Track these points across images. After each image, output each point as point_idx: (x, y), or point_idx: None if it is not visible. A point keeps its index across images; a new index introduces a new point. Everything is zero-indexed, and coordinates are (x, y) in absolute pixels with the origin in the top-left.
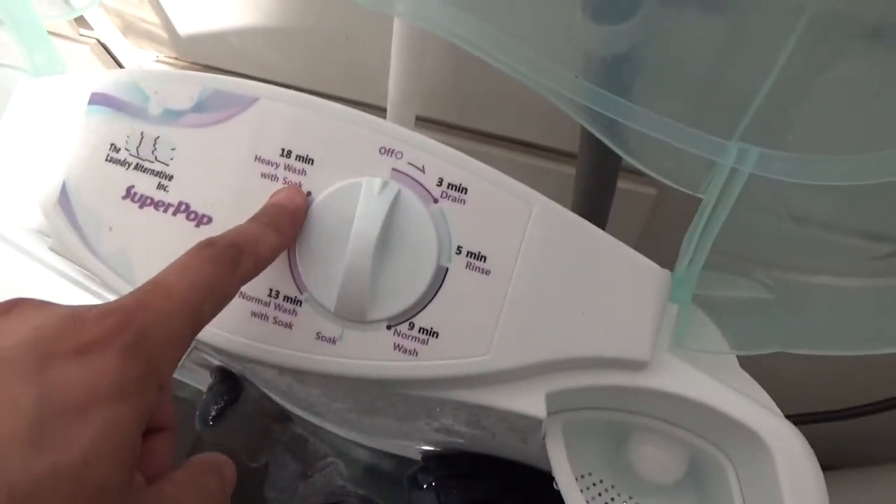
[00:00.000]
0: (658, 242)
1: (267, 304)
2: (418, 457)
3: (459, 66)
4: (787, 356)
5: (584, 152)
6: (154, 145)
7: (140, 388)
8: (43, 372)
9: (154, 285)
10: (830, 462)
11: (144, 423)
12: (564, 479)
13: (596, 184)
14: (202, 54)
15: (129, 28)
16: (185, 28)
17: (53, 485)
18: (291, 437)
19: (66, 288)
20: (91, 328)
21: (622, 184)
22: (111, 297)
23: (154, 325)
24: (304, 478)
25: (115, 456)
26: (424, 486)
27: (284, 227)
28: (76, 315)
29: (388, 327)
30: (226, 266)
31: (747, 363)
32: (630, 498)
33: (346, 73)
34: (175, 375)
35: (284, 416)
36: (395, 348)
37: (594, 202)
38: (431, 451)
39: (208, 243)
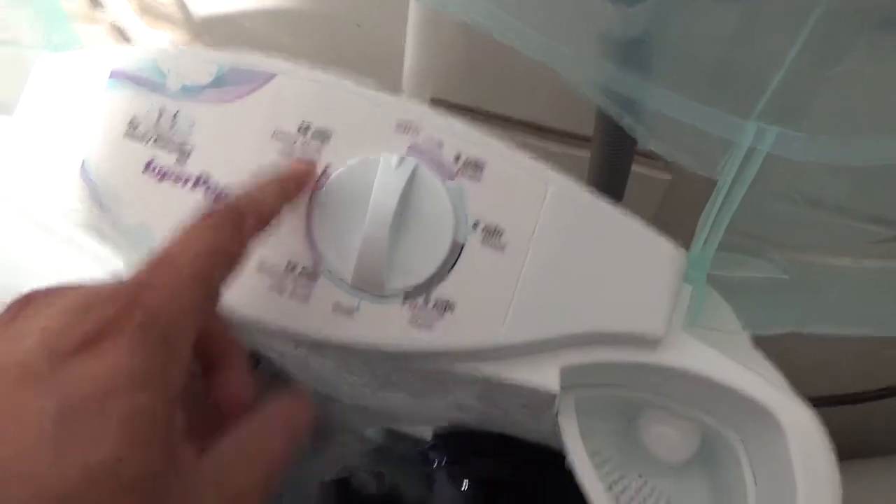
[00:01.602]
0: (671, 227)
1: (284, 277)
2: (430, 435)
3: (474, 49)
4: (797, 342)
5: (598, 135)
6: (173, 120)
7: (161, 370)
8: (57, 373)
9: (159, 259)
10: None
11: (174, 401)
12: (577, 454)
13: (610, 167)
14: (216, 37)
15: (144, 9)
16: (199, 10)
17: (89, 486)
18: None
19: (88, 265)
20: (98, 315)
21: (636, 168)
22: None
23: (164, 301)
24: (316, 453)
25: (147, 445)
26: (436, 464)
27: (288, 186)
28: (82, 304)
29: (405, 301)
30: (228, 229)
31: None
32: (639, 476)
33: (358, 59)
34: None
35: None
36: (410, 321)
37: (608, 186)
38: (443, 429)
39: (209, 213)
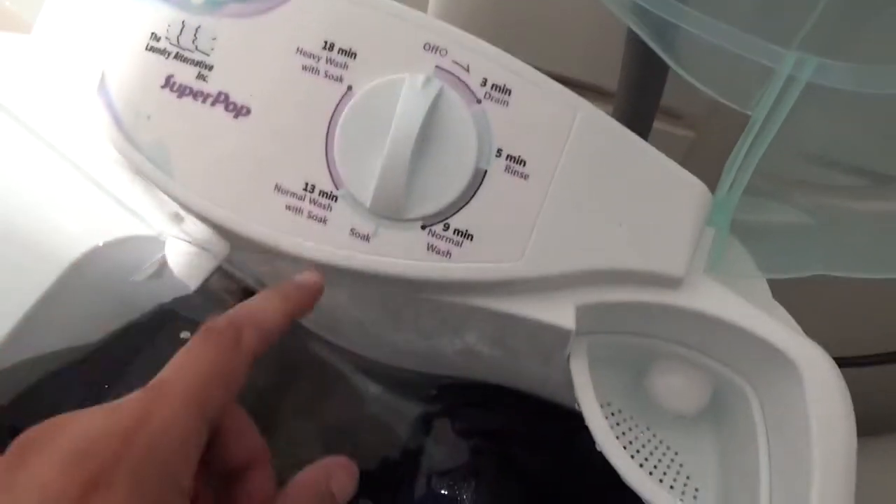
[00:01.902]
0: None
1: (302, 198)
2: (433, 390)
3: None
4: (812, 301)
5: (627, 71)
6: (195, 35)
7: None
8: None
9: (154, 390)
10: None
11: None
12: (586, 397)
13: (636, 106)
14: None
15: None
16: None
17: None
18: (309, 363)
19: (98, 195)
20: (93, 462)
21: (658, 125)
22: (147, 193)
23: (160, 435)
24: (322, 401)
25: None
26: (439, 414)
27: (291, 296)
28: (77, 451)
29: (423, 227)
30: (226, 347)
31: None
32: (648, 429)
33: None
34: (199, 302)
35: (303, 343)
36: (428, 248)
37: (633, 126)
38: (447, 381)
39: (206, 330)
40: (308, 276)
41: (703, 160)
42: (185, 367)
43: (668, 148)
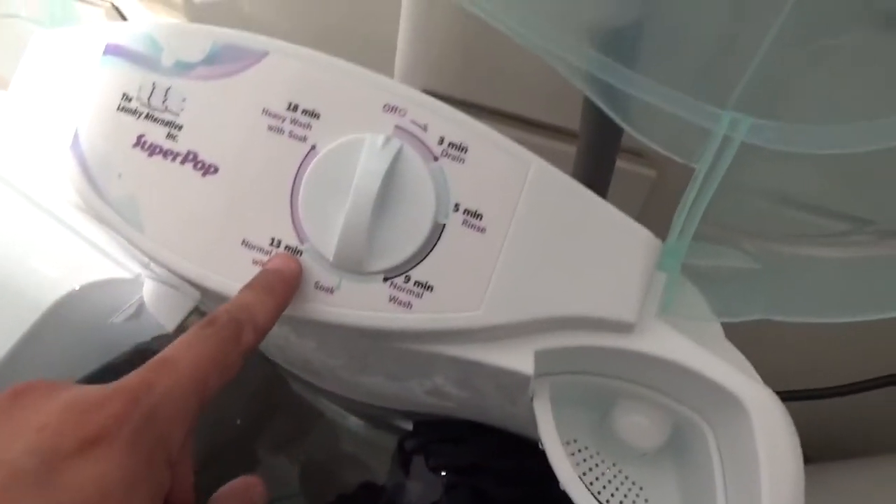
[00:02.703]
0: (655, 224)
1: (268, 253)
2: (409, 426)
3: (466, 42)
4: (777, 335)
5: (585, 126)
6: (165, 96)
7: (152, 472)
8: (51, 480)
9: (160, 363)
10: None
11: (159, 499)
12: (549, 437)
13: (595, 160)
14: (215, 20)
15: None
16: None
17: None
18: (287, 399)
19: (75, 240)
20: (95, 417)
21: (621, 164)
22: (120, 242)
23: (162, 403)
24: (297, 440)
25: None
26: (414, 450)
27: (279, 291)
28: (80, 404)
29: (385, 279)
30: (229, 341)
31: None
32: (613, 465)
33: (354, 45)
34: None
35: (281, 379)
36: (390, 300)
37: (593, 177)
38: (422, 418)
39: (210, 322)
40: (285, 265)
41: (666, 199)
42: (190, 349)
43: (632, 186)
